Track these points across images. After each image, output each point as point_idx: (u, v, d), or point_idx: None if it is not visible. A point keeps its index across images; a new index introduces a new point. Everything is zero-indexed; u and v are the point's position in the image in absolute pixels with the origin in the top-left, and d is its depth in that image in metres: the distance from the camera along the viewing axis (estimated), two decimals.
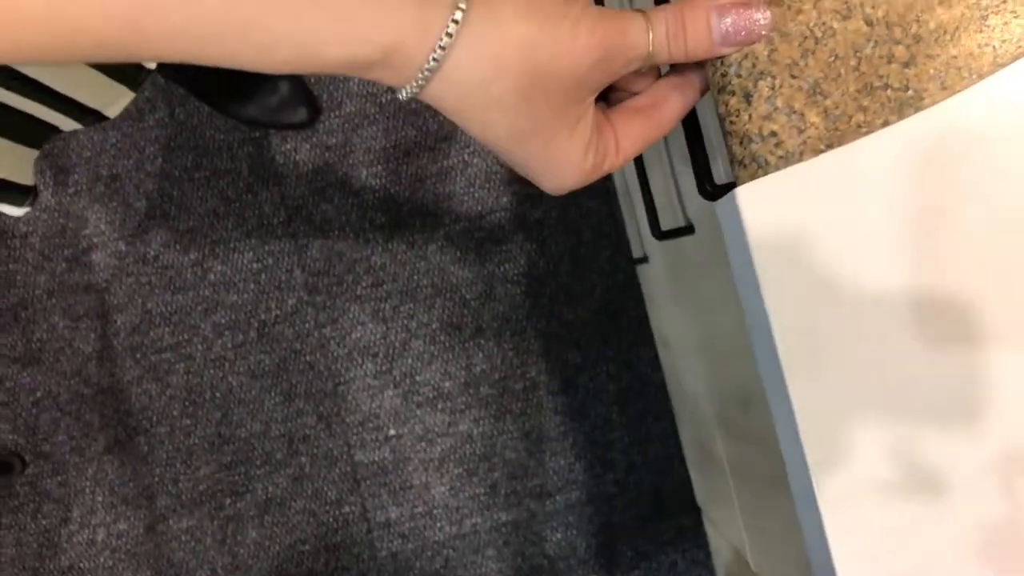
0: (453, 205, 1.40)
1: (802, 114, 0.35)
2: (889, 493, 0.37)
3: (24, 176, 0.66)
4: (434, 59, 0.32)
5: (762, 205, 0.34)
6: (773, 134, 0.35)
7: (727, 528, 0.92)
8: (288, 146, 1.39)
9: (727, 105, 0.36)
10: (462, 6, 0.31)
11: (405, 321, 1.40)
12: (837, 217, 0.34)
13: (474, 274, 1.40)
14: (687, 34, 0.34)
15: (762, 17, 0.34)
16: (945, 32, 0.35)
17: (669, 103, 0.38)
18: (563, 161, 0.36)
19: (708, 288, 0.71)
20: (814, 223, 0.34)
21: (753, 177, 0.35)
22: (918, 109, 0.34)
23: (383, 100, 1.38)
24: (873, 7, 0.35)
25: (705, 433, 0.90)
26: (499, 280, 1.40)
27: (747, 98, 0.35)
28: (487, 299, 1.40)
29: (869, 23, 0.35)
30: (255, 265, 1.40)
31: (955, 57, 0.35)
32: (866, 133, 0.35)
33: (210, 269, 1.39)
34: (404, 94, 0.33)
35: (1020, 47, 0.34)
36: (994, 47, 0.35)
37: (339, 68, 0.32)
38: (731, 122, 0.36)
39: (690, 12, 0.34)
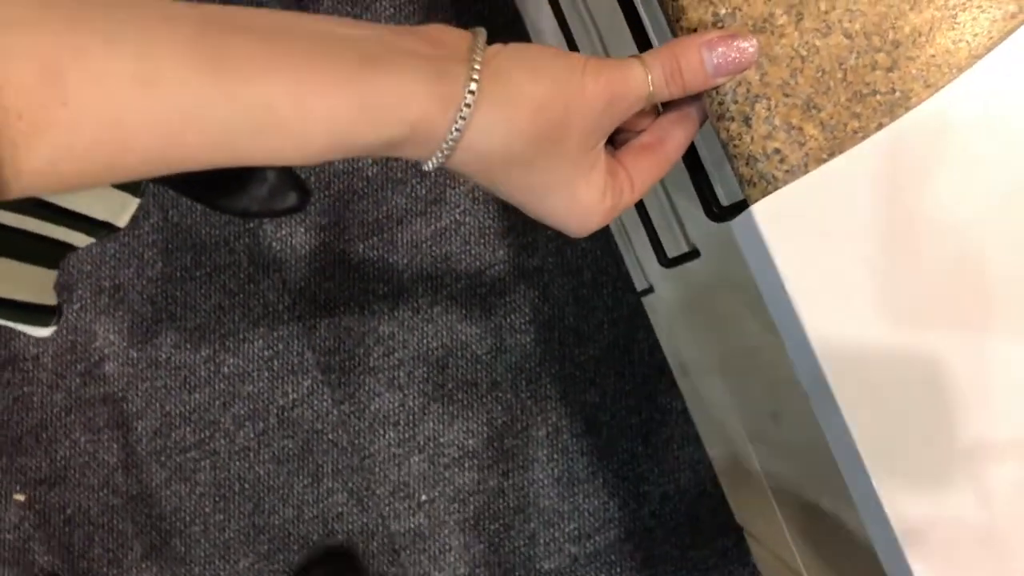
0: (452, 265, 1.42)
1: (800, 128, 0.37)
2: (958, 492, 0.38)
3: (47, 297, 0.68)
4: (456, 129, 0.34)
5: (779, 218, 0.36)
6: (776, 151, 0.37)
7: (774, 542, 0.93)
8: (283, 232, 1.41)
9: (728, 131, 0.38)
10: (475, 77, 0.34)
11: (421, 385, 1.41)
12: (854, 219, 0.36)
13: (482, 329, 1.41)
14: (683, 71, 0.37)
15: (749, 45, 0.37)
16: (920, 35, 0.37)
17: (673, 137, 0.40)
18: (585, 206, 0.38)
19: (721, 307, 0.73)
20: (833, 227, 0.36)
21: (764, 194, 0.38)
22: (908, 108, 0.37)
23: (369, 174, 1.41)
24: (850, 21, 0.37)
25: (737, 451, 0.91)
26: (507, 331, 1.41)
27: (746, 121, 0.37)
28: (498, 352, 1.41)
29: (848, 36, 0.37)
30: (266, 353, 1.41)
31: (933, 56, 0.37)
32: (863, 137, 0.37)
33: (223, 363, 1.41)
34: (430, 165, 0.36)
35: (991, 38, 0.37)
36: (967, 41, 0.37)
37: (369, 151, 0.34)
38: (735, 146, 0.38)
39: (682, 50, 0.37)
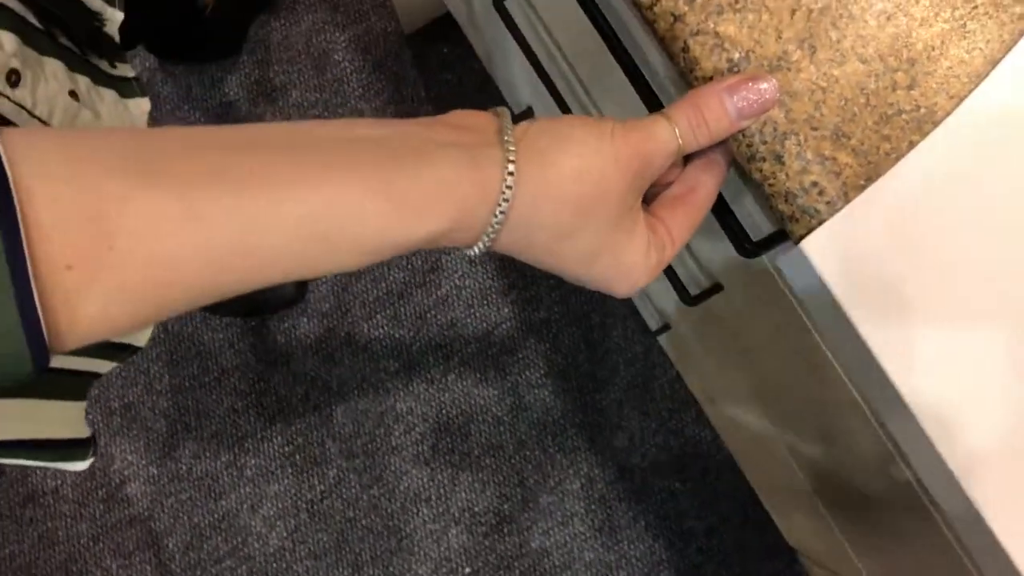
0: (459, 330, 1.41)
1: (834, 159, 0.37)
2: None
3: (80, 429, 0.67)
4: (500, 212, 0.34)
5: (830, 250, 0.36)
6: (814, 184, 0.37)
7: (836, 561, 0.91)
8: (286, 325, 1.40)
9: (761, 171, 0.38)
10: (511, 158, 0.34)
11: (447, 456, 1.39)
12: (903, 235, 0.36)
13: (499, 390, 1.40)
14: (707, 121, 0.37)
15: (768, 85, 0.37)
16: (933, 49, 0.37)
17: (703, 185, 0.40)
18: (630, 266, 0.38)
19: (750, 335, 0.72)
20: (886, 250, 0.36)
21: (808, 228, 0.37)
22: (935, 123, 0.37)
23: None
24: (863, 46, 0.37)
25: (782, 473, 0.89)
26: (524, 388, 1.40)
27: (778, 159, 0.37)
28: (519, 410, 1.40)
29: (864, 61, 0.37)
30: (287, 448, 1.39)
31: (950, 68, 0.37)
32: (897, 158, 0.37)
33: (245, 466, 1.39)
34: (476, 251, 0.35)
35: (1003, 42, 0.37)
36: (981, 48, 0.37)
37: (415, 246, 0.34)
38: (770, 185, 0.38)
39: (703, 100, 0.37)
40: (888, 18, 0.37)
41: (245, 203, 0.30)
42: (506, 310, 1.42)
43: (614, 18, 0.51)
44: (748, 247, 0.47)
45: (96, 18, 0.69)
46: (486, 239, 0.35)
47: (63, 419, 0.65)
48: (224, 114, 1.46)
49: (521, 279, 1.42)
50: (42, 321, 0.26)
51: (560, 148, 0.35)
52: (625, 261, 0.38)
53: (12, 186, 0.26)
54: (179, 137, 0.31)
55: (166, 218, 0.28)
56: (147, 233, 0.28)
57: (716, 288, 0.69)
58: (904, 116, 0.37)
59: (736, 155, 0.39)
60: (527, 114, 1.07)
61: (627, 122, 0.36)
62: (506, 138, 0.35)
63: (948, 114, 0.37)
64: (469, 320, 1.42)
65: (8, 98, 0.58)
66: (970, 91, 0.37)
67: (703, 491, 1.38)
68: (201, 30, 1.37)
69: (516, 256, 0.37)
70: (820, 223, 0.37)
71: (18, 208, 0.26)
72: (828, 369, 0.56)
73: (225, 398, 1.40)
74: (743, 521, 1.37)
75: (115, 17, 0.71)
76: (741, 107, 0.37)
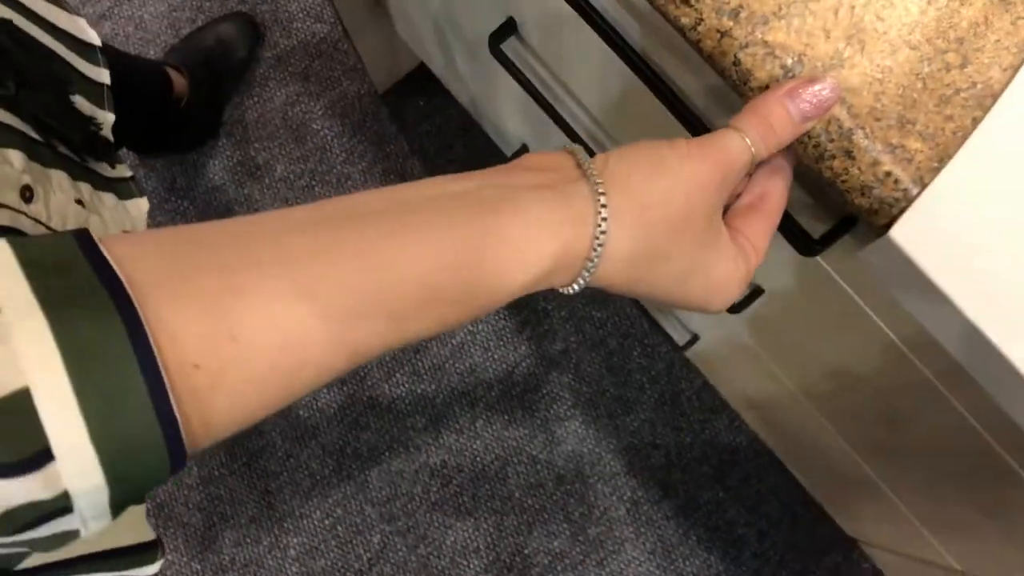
0: (480, 375, 1.41)
1: (903, 146, 0.37)
2: None
3: (145, 532, 0.66)
4: (598, 245, 0.34)
5: (918, 234, 0.36)
6: (887, 174, 0.37)
7: (910, 545, 0.91)
8: (307, 398, 1.39)
9: (832, 169, 0.38)
10: (601, 190, 0.34)
11: (488, 504, 1.38)
12: (989, 211, 0.36)
13: (529, 428, 1.40)
14: (774, 127, 0.37)
15: (827, 85, 0.37)
16: (978, 25, 0.38)
17: (773, 190, 0.40)
18: (722, 280, 0.38)
19: (795, 335, 0.72)
20: (973, 225, 0.36)
21: (889, 217, 0.38)
22: (995, 96, 0.37)
23: None
24: (910, 33, 0.38)
25: (840, 465, 0.89)
26: (554, 422, 1.40)
27: (848, 155, 0.38)
28: (552, 445, 1.39)
29: (914, 47, 0.38)
30: (327, 521, 1.37)
31: (998, 41, 0.38)
32: (964, 136, 0.37)
33: (288, 546, 1.37)
34: (577, 287, 0.35)
35: None
36: None
37: (523, 291, 0.34)
38: (843, 181, 0.38)
39: (766, 107, 0.37)
40: (928, 2, 0.38)
41: (354, 275, 0.30)
42: (523, 348, 1.41)
43: (633, 43, 0.52)
44: (815, 247, 0.47)
45: (92, 123, 0.69)
46: (586, 274, 0.35)
47: (128, 524, 0.64)
48: (212, 200, 1.46)
49: (533, 315, 1.42)
50: (179, 422, 0.26)
51: (643, 174, 0.35)
52: (717, 276, 0.38)
53: (131, 294, 0.26)
54: (274, 220, 0.31)
55: (282, 302, 0.28)
56: (266, 320, 0.28)
57: (757, 292, 0.69)
58: (963, 94, 0.38)
59: (804, 158, 0.39)
60: (522, 151, 1.08)
61: (699, 139, 0.37)
62: (590, 171, 0.35)
63: (1005, 86, 0.37)
64: (488, 364, 1.41)
65: (26, 214, 0.58)
66: (1022, 60, 0.37)
67: (748, 496, 1.38)
68: (178, 121, 1.37)
69: (609, 289, 0.37)
70: (901, 211, 0.37)
71: (141, 315, 0.26)
72: (892, 351, 0.56)
73: (257, 482, 1.38)
74: (793, 520, 1.37)
75: (108, 119, 0.71)
76: (803, 109, 0.37)
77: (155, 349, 0.26)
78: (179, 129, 1.40)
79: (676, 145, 0.36)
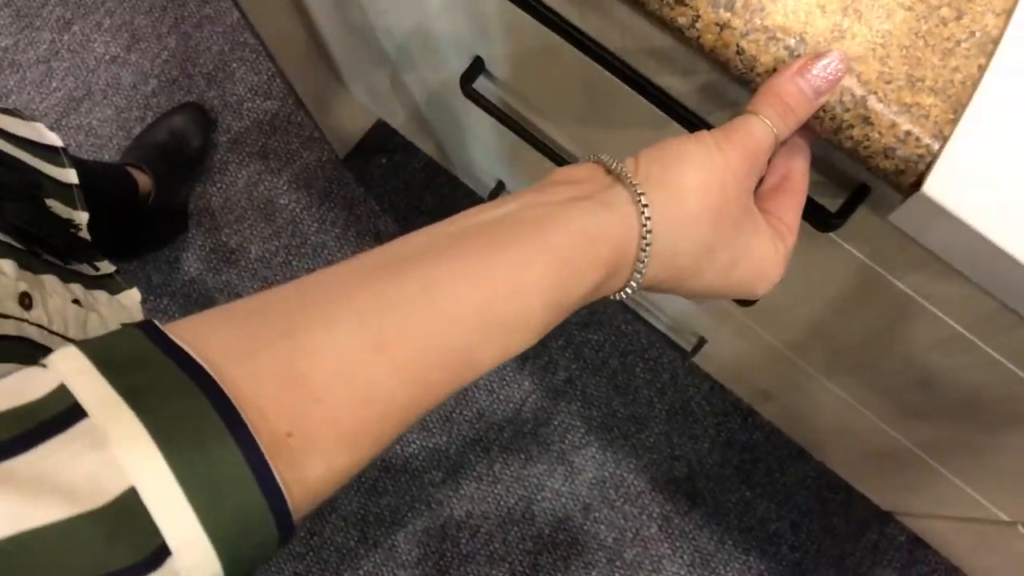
0: (489, 419, 1.40)
1: (917, 103, 0.38)
2: None
3: None
4: (646, 244, 0.34)
5: (953, 186, 0.37)
6: (908, 133, 0.38)
7: (954, 507, 0.91)
8: None
9: (853, 137, 0.39)
10: (639, 190, 0.34)
11: (520, 545, 1.36)
12: (1014, 149, 0.37)
13: (547, 463, 1.39)
14: (791, 105, 0.38)
15: (834, 59, 0.38)
16: None
17: (795, 169, 0.41)
18: (762, 262, 0.38)
19: (811, 316, 0.73)
20: (1007, 166, 0.37)
21: (917, 175, 0.38)
22: (995, 41, 0.38)
23: None
24: None
25: (871, 440, 0.90)
26: (571, 452, 1.39)
27: (866, 121, 0.38)
28: (573, 475, 1.38)
29: (908, 8, 0.39)
30: None
31: None
32: (974, 84, 0.38)
33: None
34: (629, 291, 0.36)
35: None
36: None
37: (581, 302, 0.34)
38: (865, 147, 0.39)
39: (780, 87, 0.38)
40: None
41: (420, 315, 0.30)
42: (527, 383, 1.41)
43: (616, 51, 0.53)
44: (833, 221, 0.48)
45: (70, 225, 0.69)
46: (637, 276, 0.35)
47: None
48: (191, 293, 1.45)
49: (531, 349, 1.41)
50: (284, 492, 0.26)
51: (676, 170, 0.35)
52: (757, 260, 0.38)
53: (214, 376, 0.26)
54: (332, 275, 0.31)
55: (356, 356, 0.29)
56: (344, 377, 0.28)
57: None
58: (963, 45, 0.39)
59: (822, 132, 0.40)
60: (499, 189, 1.08)
61: (722, 128, 0.37)
62: (624, 174, 0.35)
63: (1002, 30, 0.38)
64: (495, 406, 1.40)
65: (28, 321, 0.58)
66: (1015, 2, 0.39)
67: (775, 491, 1.38)
68: (147, 219, 1.36)
69: (659, 289, 0.37)
70: (928, 166, 0.38)
71: (228, 395, 0.26)
72: (919, 313, 0.57)
73: (285, 566, 1.35)
74: (823, 506, 1.37)
75: (83, 218, 0.71)
76: (816, 85, 0.38)
77: (249, 426, 0.26)
78: (149, 227, 1.39)
79: (701, 138, 0.37)
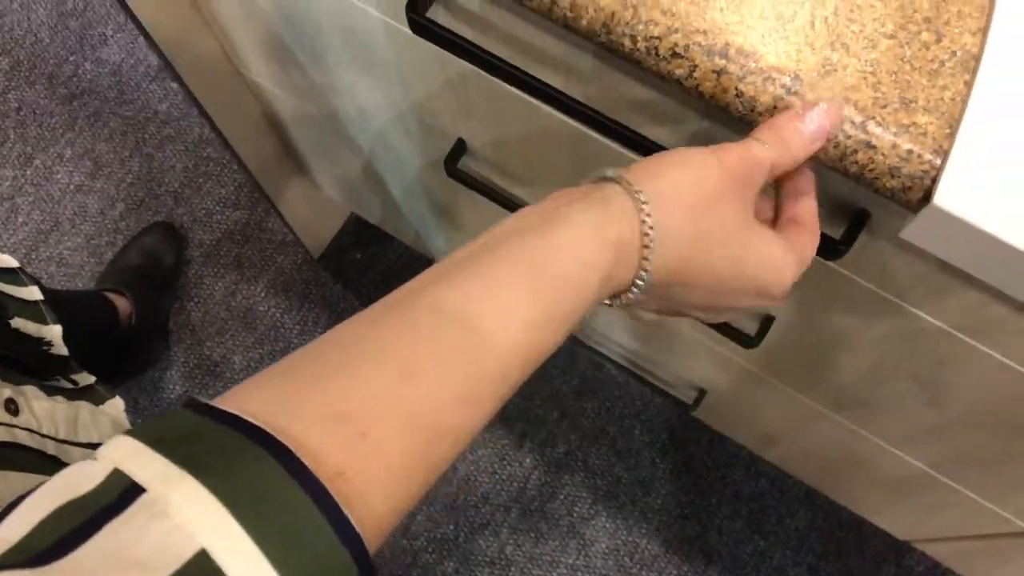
0: (494, 501, 1.38)
1: (914, 123, 0.40)
2: None
3: None
4: (649, 228, 0.36)
5: (962, 195, 0.39)
6: (910, 151, 0.40)
7: (978, 524, 0.91)
8: None
9: (857, 162, 0.41)
10: (637, 187, 0.36)
11: None
12: (1014, 154, 0.39)
13: (559, 539, 1.37)
14: (786, 137, 0.40)
15: (826, 107, 0.40)
16: (939, 2, 0.42)
17: (804, 211, 0.43)
18: (774, 259, 0.40)
19: (817, 349, 0.74)
20: (1010, 169, 0.39)
21: (924, 190, 0.40)
22: (977, 59, 0.41)
23: None
24: (882, 25, 0.41)
25: (886, 469, 0.90)
26: (580, 524, 1.37)
27: (868, 145, 0.40)
28: (586, 547, 1.36)
29: (890, 36, 0.41)
30: None
31: (960, 10, 0.42)
32: (963, 100, 0.40)
33: None
34: (641, 282, 0.37)
35: None
36: None
37: (598, 294, 0.35)
38: (871, 170, 0.41)
39: (776, 122, 0.40)
40: None
41: (458, 339, 0.31)
42: (528, 460, 1.40)
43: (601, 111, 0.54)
44: (839, 247, 0.50)
45: (41, 344, 0.69)
46: (647, 264, 0.36)
47: None
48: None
49: (528, 426, 1.41)
50: (357, 529, 0.26)
51: (671, 164, 0.38)
52: (767, 255, 0.40)
53: (267, 429, 0.26)
54: (347, 327, 0.32)
55: (387, 388, 0.29)
56: (382, 408, 0.29)
57: (769, 320, 0.71)
58: (948, 64, 0.41)
59: (828, 160, 0.42)
60: None
61: (723, 144, 0.39)
62: (618, 175, 0.37)
63: (981, 47, 0.41)
64: (499, 487, 1.39)
65: (18, 427, 0.57)
66: (987, 21, 0.41)
67: (787, 537, 1.37)
68: (127, 342, 1.35)
69: (670, 280, 0.38)
70: (933, 181, 0.40)
71: (284, 443, 0.26)
72: (925, 332, 0.58)
73: None
74: (838, 546, 1.36)
75: (55, 332, 0.71)
76: (814, 130, 0.40)
77: (311, 469, 0.26)
78: (130, 349, 1.38)
79: (697, 147, 0.39)
